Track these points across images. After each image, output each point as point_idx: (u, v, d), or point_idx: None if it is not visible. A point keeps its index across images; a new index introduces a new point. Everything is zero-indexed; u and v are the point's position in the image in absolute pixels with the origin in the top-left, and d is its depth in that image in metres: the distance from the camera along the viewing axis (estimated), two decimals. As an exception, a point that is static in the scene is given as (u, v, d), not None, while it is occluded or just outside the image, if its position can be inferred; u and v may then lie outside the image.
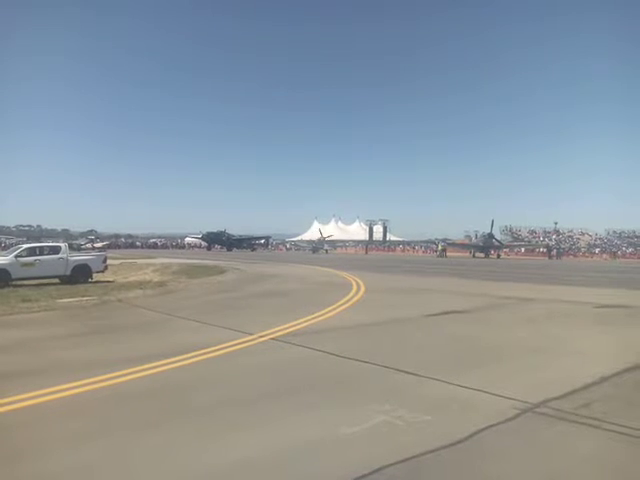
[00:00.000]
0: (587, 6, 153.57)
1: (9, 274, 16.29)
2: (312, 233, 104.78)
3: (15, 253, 17.06)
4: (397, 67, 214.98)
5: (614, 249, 74.69)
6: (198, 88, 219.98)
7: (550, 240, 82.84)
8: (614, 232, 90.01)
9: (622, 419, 4.21)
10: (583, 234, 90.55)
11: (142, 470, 3.47)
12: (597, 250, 74.14)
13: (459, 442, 3.77)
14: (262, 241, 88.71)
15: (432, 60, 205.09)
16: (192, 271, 23.78)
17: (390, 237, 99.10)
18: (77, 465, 3.50)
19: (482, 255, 60.98)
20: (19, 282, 16.58)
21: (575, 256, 68.94)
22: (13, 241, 71.55)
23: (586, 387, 5.20)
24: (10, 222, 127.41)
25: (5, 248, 49.66)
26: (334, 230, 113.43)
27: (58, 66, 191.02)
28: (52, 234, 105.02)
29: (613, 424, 4.10)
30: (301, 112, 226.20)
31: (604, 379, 5.52)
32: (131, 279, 19.81)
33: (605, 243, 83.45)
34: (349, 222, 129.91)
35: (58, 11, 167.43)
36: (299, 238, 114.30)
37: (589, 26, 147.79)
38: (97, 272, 18.86)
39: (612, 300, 13.23)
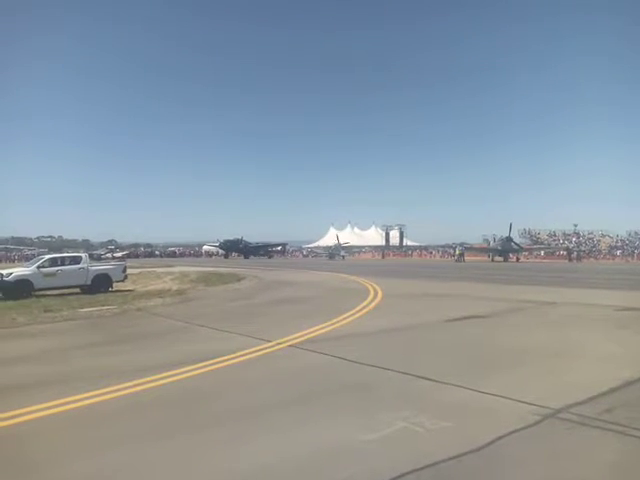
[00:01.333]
0: (592, 6, 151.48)
1: (32, 284, 16.64)
2: (328, 239, 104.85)
3: (37, 264, 17.43)
4: (412, 70, 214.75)
5: (636, 250, 73.20)
6: (212, 97, 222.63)
7: (570, 243, 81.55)
8: (635, 233, 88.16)
9: (647, 425, 4.12)
10: (604, 236, 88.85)
11: (161, 478, 3.51)
12: (618, 252, 72.66)
13: (480, 449, 3.73)
14: (279, 248, 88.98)
15: (448, 62, 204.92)
16: (210, 279, 23.95)
17: (407, 242, 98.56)
18: (98, 472, 3.56)
19: (501, 259, 60.16)
20: (41, 292, 16.90)
21: (596, 259, 67.74)
22: (35, 252, 72.89)
23: (609, 392, 5.10)
24: (32, 233, 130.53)
25: (27, 259, 50.57)
26: (350, 236, 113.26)
27: (75, 78, 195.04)
28: (73, 245, 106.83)
29: (638, 430, 4.02)
30: (316, 119, 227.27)
31: (628, 384, 5.41)
32: (150, 288, 20.03)
33: (627, 245, 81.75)
34: (365, 228, 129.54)
35: (60, 19, 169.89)
36: (315, 244, 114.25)
37: (604, 22, 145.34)
38: (117, 281, 19.15)
39: (634, 303, 12.96)
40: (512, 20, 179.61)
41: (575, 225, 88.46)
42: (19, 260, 63.24)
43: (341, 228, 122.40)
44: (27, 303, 14.43)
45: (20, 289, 16.16)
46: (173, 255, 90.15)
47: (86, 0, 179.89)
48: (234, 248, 79.72)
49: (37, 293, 16.68)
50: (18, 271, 17.19)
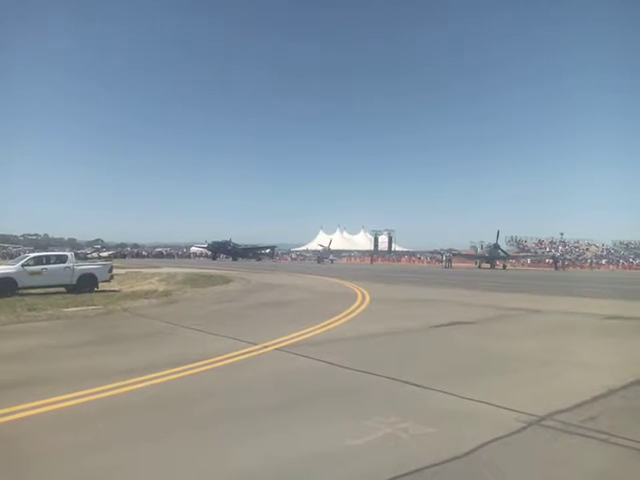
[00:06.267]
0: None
1: (16, 283, 16.39)
2: (317, 243, 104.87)
3: (22, 262, 17.19)
4: (405, 77, 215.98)
5: (621, 260, 74.26)
6: (205, 100, 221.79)
7: (556, 251, 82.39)
8: (621, 243, 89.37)
9: (630, 433, 4.15)
10: (590, 245, 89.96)
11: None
12: (604, 261, 73.64)
13: (464, 455, 3.73)
14: (267, 251, 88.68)
15: (437, 72, 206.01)
16: (197, 280, 23.81)
17: (395, 247, 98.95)
18: (82, 474, 3.50)
19: (488, 266, 60.63)
20: (25, 291, 16.67)
21: (582, 267, 68.51)
22: (20, 250, 72.01)
23: (593, 400, 5.13)
24: (17, 231, 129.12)
25: (12, 257, 49.92)
26: (339, 240, 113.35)
27: (61, 77, 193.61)
28: (59, 243, 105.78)
29: (621, 438, 4.05)
30: (306, 123, 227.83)
31: (612, 392, 5.45)
32: (136, 288, 19.85)
33: (612, 254, 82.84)
34: (354, 232, 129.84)
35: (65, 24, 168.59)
36: (304, 248, 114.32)
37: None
38: (103, 281, 18.96)
39: (619, 311, 13.10)
40: (504, 33, 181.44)
41: (562, 234, 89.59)
42: (3, 258, 62.37)
43: (330, 232, 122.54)
44: (11, 302, 14.21)
45: (4, 287, 15.89)
46: (160, 256, 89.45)
47: (86, 1, 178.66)
48: (222, 250, 79.43)
49: (21, 292, 16.44)
50: (2, 269, 16.95)
